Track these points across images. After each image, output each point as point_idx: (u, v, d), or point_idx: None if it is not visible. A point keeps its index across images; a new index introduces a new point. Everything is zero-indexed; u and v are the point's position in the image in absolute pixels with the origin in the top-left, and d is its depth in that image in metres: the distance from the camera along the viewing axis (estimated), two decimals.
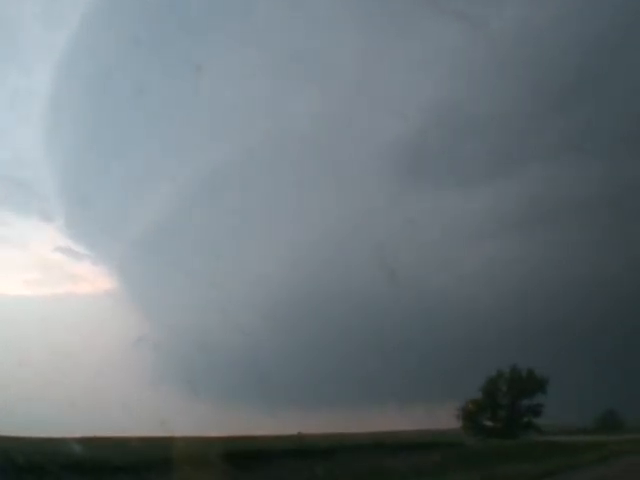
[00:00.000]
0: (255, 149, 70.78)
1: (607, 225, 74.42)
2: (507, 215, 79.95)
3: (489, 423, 55.53)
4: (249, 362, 44.19)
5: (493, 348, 58.33)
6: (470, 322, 59.41)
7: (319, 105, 74.27)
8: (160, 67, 67.96)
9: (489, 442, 44.91)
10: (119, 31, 67.92)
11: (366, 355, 51.82)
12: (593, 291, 69.91)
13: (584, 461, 34.50)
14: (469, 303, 63.48)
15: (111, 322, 54.34)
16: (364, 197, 73.45)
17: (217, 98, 68.60)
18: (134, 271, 64.74)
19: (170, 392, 42.09)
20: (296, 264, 62.12)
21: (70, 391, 35.82)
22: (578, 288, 70.09)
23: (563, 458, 33.78)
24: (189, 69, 67.84)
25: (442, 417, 57.10)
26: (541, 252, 74.05)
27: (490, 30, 70.89)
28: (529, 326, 62.87)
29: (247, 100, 74.99)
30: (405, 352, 53.01)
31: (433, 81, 78.33)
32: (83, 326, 52.89)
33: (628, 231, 74.13)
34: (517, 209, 79.89)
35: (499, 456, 30.45)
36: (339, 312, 58.55)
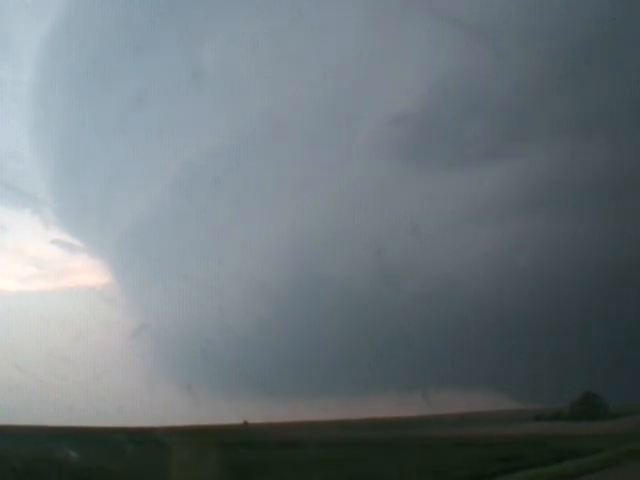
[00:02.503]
0: (253, 133, 69.13)
1: (612, 209, 71.52)
2: (509, 198, 77.77)
3: None
4: (245, 354, 44.28)
5: (486, 332, 57.28)
6: (466, 307, 58.45)
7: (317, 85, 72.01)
8: (151, 53, 65.88)
9: None
10: (107, 17, 65.75)
11: (364, 344, 51.21)
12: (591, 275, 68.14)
13: None
14: (465, 287, 62.36)
15: (107, 317, 52.14)
16: (362, 189, 71.89)
17: (210, 82, 67.20)
18: (128, 265, 62.25)
19: (166, 385, 43.12)
20: (293, 251, 59.92)
21: (68, 387, 36.28)
22: (574, 273, 68.62)
23: None
24: (181, 56, 65.19)
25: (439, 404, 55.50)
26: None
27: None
28: (522, 310, 61.49)
29: (242, 83, 73.12)
30: (402, 341, 52.10)
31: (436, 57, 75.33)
32: (79, 321, 50.05)
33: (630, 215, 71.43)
34: (520, 192, 77.52)
35: None
36: (335, 302, 56.01)
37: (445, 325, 57.05)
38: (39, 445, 20.69)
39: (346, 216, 66.31)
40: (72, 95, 67.31)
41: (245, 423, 50.96)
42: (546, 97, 73.87)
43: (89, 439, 25.42)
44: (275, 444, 31.06)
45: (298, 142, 73.17)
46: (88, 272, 76.49)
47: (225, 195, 66.56)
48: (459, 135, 72.50)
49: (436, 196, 70.03)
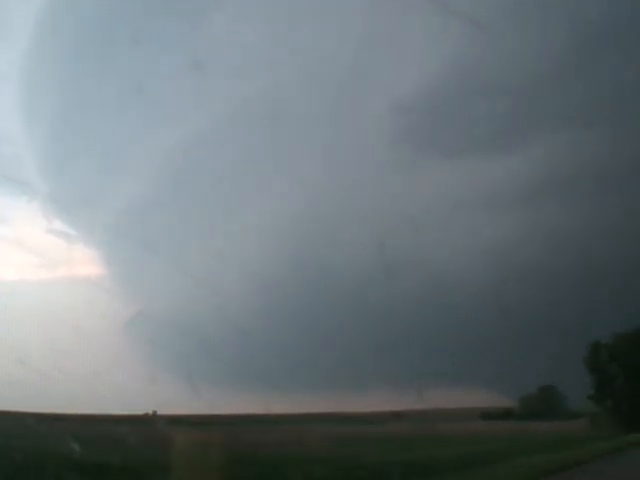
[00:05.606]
0: (254, 124, 66.31)
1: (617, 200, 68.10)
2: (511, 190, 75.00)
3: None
4: (245, 347, 43.74)
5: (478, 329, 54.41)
6: (463, 303, 56.07)
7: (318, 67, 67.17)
8: (144, 34, 64.88)
9: None
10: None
11: (363, 338, 51.81)
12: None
13: None
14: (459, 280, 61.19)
15: (105, 307, 53.65)
16: (359, 182, 68.69)
17: (210, 68, 64.27)
18: (126, 255, 61.11)
19: (166, 375, 44.38)
20: (294, 246, 61.30)
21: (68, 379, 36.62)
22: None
23: None
24: (173, 39, 64.18)
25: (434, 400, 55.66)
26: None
27: None
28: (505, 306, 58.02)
29: (235, 63, 68.73)
30: (400, 338, 52.46)
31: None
32: (79, 311, 52.40)
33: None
34: (522, 184, 74.57)
35: None
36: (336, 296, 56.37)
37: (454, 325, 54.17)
38: (40, 437, 20.73)
39: (348, 208, 63.96)
40: (64, 80, 65.89)
41: (154, 413, 47.66)
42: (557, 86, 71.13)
43: (90, 429, 25.65)
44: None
45: (300, 134, 69.63)
46: (85, 262, 72.40)
47: (225, 185, 65.21)
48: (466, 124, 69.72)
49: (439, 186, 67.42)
